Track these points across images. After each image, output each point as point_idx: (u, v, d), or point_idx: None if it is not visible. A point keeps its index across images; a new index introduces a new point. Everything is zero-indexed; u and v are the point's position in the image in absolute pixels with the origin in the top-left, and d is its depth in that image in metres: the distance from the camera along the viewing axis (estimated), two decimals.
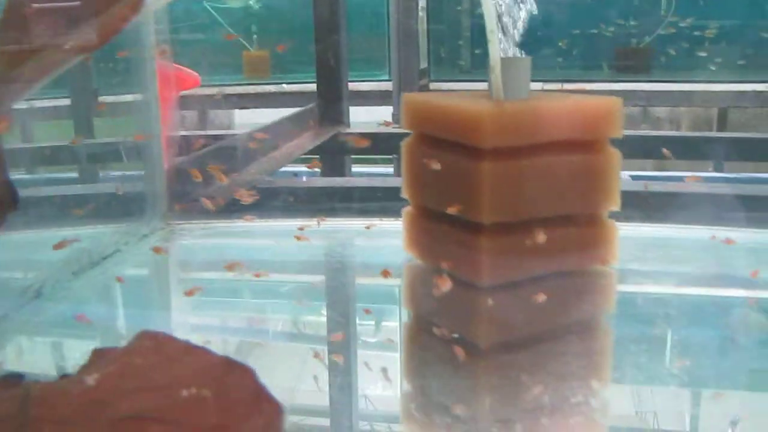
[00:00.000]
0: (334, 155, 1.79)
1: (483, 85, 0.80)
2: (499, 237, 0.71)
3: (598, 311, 0.76)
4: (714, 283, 0.83)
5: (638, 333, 0.71)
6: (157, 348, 0.40)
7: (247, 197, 0.92)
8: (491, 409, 0.56)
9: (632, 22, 2.59)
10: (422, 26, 2.48)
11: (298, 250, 0.92)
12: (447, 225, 0.74)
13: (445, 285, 0.70)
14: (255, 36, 2.71)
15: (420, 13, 2.43)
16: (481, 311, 0.72)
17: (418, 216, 0.79)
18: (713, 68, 2.47)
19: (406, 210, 0.81)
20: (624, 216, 0.78)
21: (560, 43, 2.56)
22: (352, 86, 1.90)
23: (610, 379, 0.62)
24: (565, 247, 0.75)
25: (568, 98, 0.77)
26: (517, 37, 0.78)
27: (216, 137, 1.57)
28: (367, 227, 0.96)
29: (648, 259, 0.88)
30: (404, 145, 0.79)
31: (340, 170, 1.85)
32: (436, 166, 0.73)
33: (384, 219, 0.97)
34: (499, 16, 0.76)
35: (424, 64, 2.52)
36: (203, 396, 0.36)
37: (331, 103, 1.75)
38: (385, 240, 0.94)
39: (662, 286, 0.83)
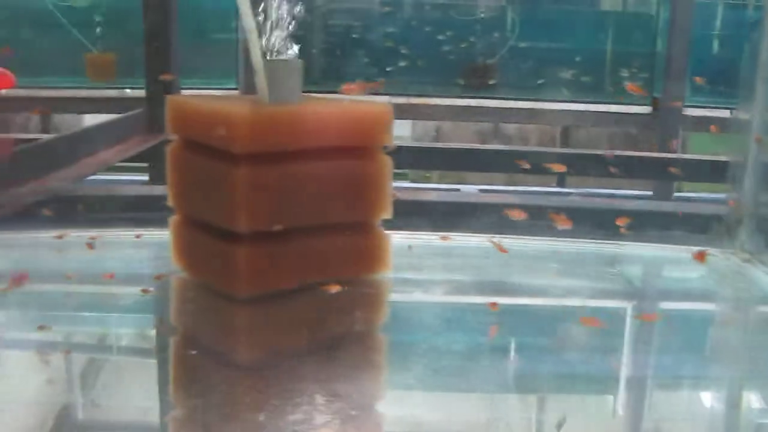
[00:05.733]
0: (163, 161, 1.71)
1: None
2: (259, 246, 0.68)
3: (371, 321, 0.74)
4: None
5: (411, 341, 0.70)
6: None
7: None
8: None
9: (479, 41, 2.65)
10: None
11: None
12: (209, 235, 0.71)
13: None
14: (99, 38, 2.57)
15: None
16: (240, 324, 0.69)
17: (183, 226, 0.75)
18: (557, 89, 2.57)
19: (173, 220, 0.76)
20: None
21: (418, 62, 2.58)
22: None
23: (384, 388, 0.60)
24: (333, 256, 0.73)
25: (337, 104, 0.75)
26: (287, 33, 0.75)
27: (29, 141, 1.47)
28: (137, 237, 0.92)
29: (424, 267, 0.88)
30: (168, 150, 0.75)
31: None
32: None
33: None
34: (265, 12, 0.72)
35: None
36: None
37: (159, 108, 1.67)
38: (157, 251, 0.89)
39: (432, 294, 0.82)
